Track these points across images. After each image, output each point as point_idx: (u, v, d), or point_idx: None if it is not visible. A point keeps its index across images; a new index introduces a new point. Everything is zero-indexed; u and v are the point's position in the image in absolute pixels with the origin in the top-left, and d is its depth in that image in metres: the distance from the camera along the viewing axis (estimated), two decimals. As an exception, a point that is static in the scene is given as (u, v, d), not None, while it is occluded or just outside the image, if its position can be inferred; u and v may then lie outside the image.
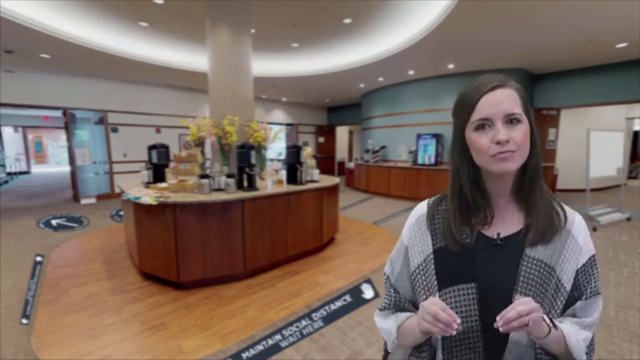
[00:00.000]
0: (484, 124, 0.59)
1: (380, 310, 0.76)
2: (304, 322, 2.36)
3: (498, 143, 0.57)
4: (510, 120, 0.58)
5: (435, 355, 0.66)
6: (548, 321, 0.56)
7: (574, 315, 0.63)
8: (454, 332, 0.54)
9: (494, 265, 0.62)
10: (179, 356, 1.99)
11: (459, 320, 0.54)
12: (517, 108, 0.59)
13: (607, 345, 2.07)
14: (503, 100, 0.58)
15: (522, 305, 0.52)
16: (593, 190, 5.85)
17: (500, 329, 0.52)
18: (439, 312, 0.54)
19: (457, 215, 0.65)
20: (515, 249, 0.62)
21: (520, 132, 0.58)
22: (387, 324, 0.71)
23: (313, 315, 2.46)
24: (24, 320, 2.39)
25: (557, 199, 0.66)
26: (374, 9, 4.48)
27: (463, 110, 0.62)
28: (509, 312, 0.52)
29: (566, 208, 0.66)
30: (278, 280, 3.12)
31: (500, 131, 0.57)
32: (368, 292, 2.79)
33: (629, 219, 5.27)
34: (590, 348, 0.64)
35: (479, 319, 0.61)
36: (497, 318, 0.53)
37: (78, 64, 6.22)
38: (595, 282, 0.63)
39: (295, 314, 2.49)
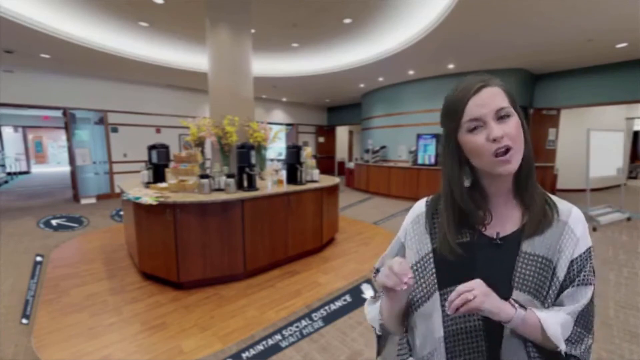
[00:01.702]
0: (475, 126, 0.59)
1: (372, 298, 0.79)
2: (304, 322, 2.36)
3: (494, 140, 0.57)
4: (501, 116, 0.59)
5: (414, 347, 0.68)
6: (513, 302, 0.57)
7: (561, 304, 0.61)
8: (405, 287, 0.56)
9: (493, 265, 0.63)
10: (179, 356, 2.00)
11: (410, 274, 0.56)
12: (504, 102, 0.60)
13: (607, 345, 2.07)
14: (490, 99, 0.59)
15: (464, 285, 0.55)
16: (593, 190, 5.85)
17: (448, 312, 0.55)
18: (394, 264, 0.56)
19: (451, 223, 0.65)
20: (513, 246, 0.63)
21: (512, 126, 0.58)
22: (375, 306, 0.75)
23: (313, 315, 2.46)
24: (24, 320, 2.39)
25: (547, 193, 0.67)
26: (374, 9, 4.48)
27: (452, 115, 0.62)
28: (453, 293, 0.55)
29: (559, 201, 0.66)
30: (278, 280, 3.12)
31: (494, 128, 0.58)
32: (368, 292, 2.79)
33: (629, 219, 5.27)
34: (578, 336, 0.60)
35: (480, 318, 0.61)
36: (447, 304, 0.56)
37: (78, 64, 6.22)
38: (585, 272, 0.61)
39: (295, 314, 2.49)
